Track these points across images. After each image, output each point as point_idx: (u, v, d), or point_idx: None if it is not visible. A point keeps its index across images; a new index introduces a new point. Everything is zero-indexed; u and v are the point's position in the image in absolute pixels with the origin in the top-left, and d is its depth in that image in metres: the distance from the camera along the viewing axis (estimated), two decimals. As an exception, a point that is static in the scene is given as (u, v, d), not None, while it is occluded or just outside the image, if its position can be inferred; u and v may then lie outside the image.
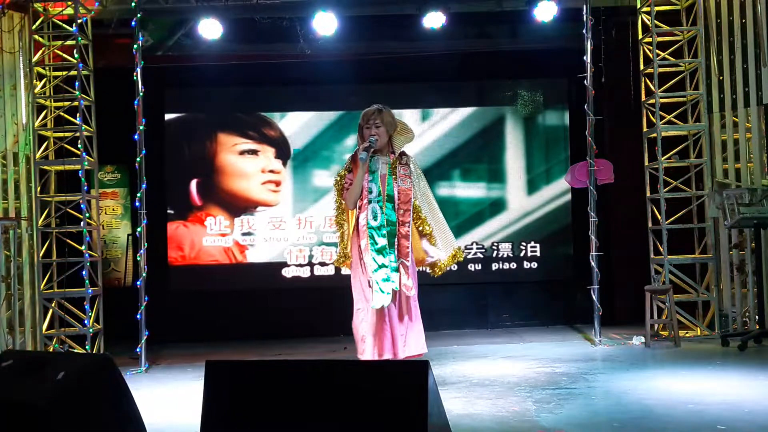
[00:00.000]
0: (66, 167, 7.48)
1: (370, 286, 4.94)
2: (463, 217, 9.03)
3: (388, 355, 4.92)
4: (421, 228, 5.12)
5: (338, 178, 5.18)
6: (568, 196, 8.95)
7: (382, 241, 4.92)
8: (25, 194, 7.56)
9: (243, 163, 8.96)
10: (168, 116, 9.04)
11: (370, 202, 4.97)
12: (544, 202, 9.07)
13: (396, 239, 4.96)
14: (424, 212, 5.15)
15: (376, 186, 4.99)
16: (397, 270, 4.95)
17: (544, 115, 9.19)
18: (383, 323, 4.94)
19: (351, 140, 8.85)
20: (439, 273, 5.26)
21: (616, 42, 8.61)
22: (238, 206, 8.94)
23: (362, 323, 5.01)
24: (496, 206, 9.08)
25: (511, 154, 9.09)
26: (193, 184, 8.95)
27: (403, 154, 5.14)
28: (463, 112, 9.09)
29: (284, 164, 8.97)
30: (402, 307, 4.97)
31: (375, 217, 4.95)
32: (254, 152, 8.97)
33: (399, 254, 4.96)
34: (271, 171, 8.96)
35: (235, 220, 8.92)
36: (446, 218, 9.02)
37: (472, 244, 8.99)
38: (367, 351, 4.93)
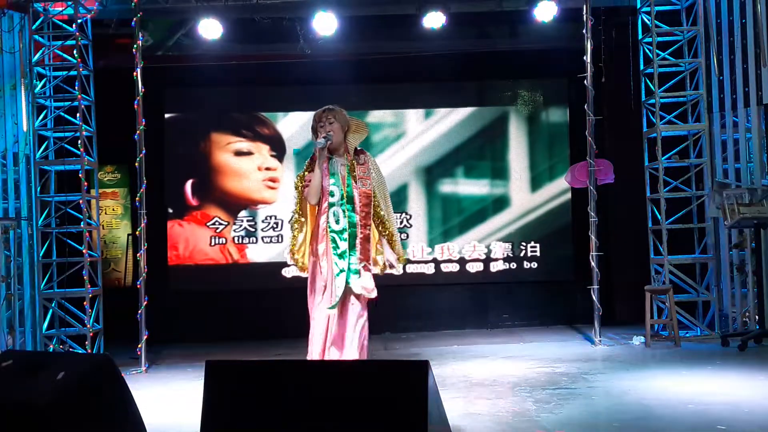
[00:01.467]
0: (66, 167, 7.47)
1: (323, 292, 4.80)
2: (464, 215, 9.04)
3: (334, 356, 4.82)
4: (381, 228, 4.96)
5: (297, 180, 4.98)
6: (568, 197, 8.95)
7: (343, 245, 4.81)
8: (25, 194, 7.56)
9: (241, 162, 8.96)
10: (168, 116, 9.04)
11: (331, 205, 4.83)
12: (544, 202, 9.06)
13: (357, 241, 4.85)
14: (383, 212, 4.98)
15: (338, 189, 4.85)
16: (358, 273, 4.83)
17: (544, 115, 9.18)
18: (336, 326, 4.85)
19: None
20: (382, 272, 5.06)
21: (616, 42, 8.61)
22: (238, 205, 8.95)
23: (312, 322, 4.92)
24: (497, 205, 9.07)
25: (511, 155, 9.08)
26: (189, 184, 8.94)
27: (360, 153, 5.00)
28: (463, 112, 9.09)
29: (280, 161, 8.96)
30: (356, 309, 4.87)
31: (338, 221, 4.83)
32: (251, 151, 8.97)
33: (362, 257, 4.84)
34: (267, 168, 8.96)
35: (235, 220, 8.92)
36: (447, 216, 9.20)
37: (472, 243, 8.99)
38: (314, 352, 4.80)
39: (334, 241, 4.82)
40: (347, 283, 4.78)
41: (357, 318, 4.84)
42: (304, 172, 4.97)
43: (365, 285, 4.84)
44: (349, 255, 4.81)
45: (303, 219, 4.96)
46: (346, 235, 4.83)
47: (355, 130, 5.00)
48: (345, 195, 4.86)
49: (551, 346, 7.54)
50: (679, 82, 7.96)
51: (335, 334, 4.83)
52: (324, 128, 4.88)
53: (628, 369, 6.10)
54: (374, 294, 4.91)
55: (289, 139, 8.99)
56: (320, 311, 4.84)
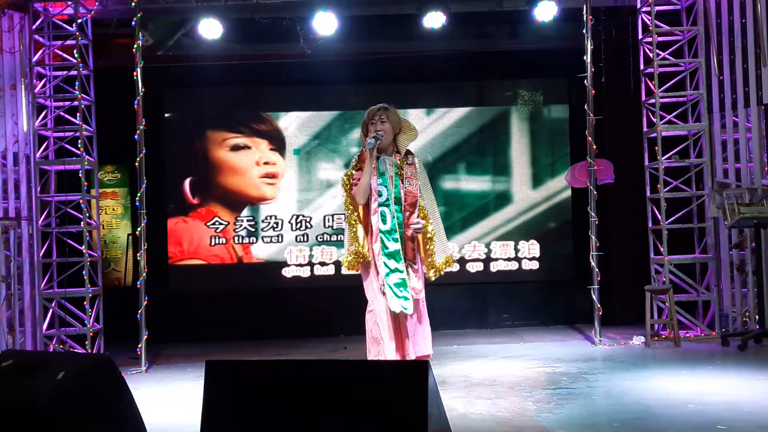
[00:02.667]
0: (66, 167, 7.47)
1: (382, 291, 4.82)
2: (465, 212, 9.04)
3: (399, 356, 4.86)
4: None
5: (345, 178, 5.01)
6: (568, 196, 8.94)
7: (393, 246, 4.81)
8: (25, 194, 7.56)
9: (241, 162, 8.96)
10: (168, 116, 9.04)
11: (380, 205, 4.84)
12: (544, 202, 9.06)
13: (402, 241, 4.86)
14: (429, 213, 5.04)
15: (386, 189, 4.86)
16: (407, 273, 4.85)
17: (544, 115, 9.18)
18: (397, 326, 4.88)
19: (350, 140, 8.86)
20: (435, 277, 5.09)
21: (616, 42, 8.60)
22: (239, 204, 8.94)
23: (375, 326, 4.88)
24: (497, 203, 9.08)
25: (511, 155, 9.07)
26: (187, 183, 8.94)
27: (408, 153, 5.02)
28: (463, 112, 9.10)
29: (282, 158, 8.95)
30: (417, 308, 4.91)
31: (385, 221, 4.82)
32: (248, 146, 8.97)
33: (404, 257, 4.86)
34: (266, 163, 8.96)
35: (235, 220, 8.92)
36: (448, 214, 9.18)
37: (472, 243, 8.99)
38: (386, 353, 4.79)
39: (383, 241, 4.82)
40: (404, 284, 4.77)
41: (417, 317, 4.87)
42: (352, 170, 4.99)
43: (413, 285, 4.87)
44: (401, 255, 4.82)
45: (356, 214, 4.96)
46: (396, 236, 4.83)
47: (404, 131, 5.02)
48: (393, 195, 4.86)
49: (551, 346, 7.54)
50: (679, 82, 7.97)
51: (399, 334, 4.83)
52: (375, 126, 4.89)
53: (628, 369, 6.10)
54: (422, 294, 4.92)
55: (289, 139, 8.99)
56: (384, 312, 4.80)
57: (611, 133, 8.94)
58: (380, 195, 4.85)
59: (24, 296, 7.38)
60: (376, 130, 4.86)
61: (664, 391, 5.17)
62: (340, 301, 8.29)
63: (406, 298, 4.79)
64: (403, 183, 4.90)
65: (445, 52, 8.69)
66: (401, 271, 4.81)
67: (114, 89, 7.81)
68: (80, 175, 7.39)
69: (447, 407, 3.30)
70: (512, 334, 8.46)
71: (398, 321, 4.87)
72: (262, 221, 8.95)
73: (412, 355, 4.86)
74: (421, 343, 4.90)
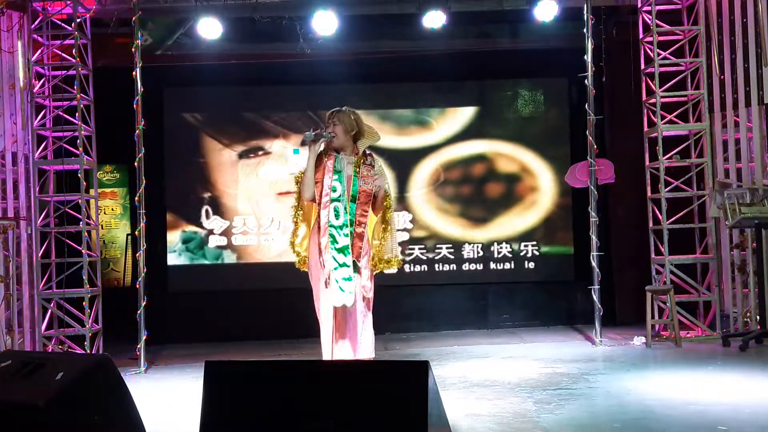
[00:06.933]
0: (65, 167, 7.45)
1: (327, 285, 4.89)
2: (465, 215, 9.02)
3: (343, 355, 4.88)
4: (385, 226, 5.11)
5: (298, 175, 5.14)
6: (569, 196, 8.93)
7: (343, 241, 4.91)
8: (24, 194, 7.54)
9: (241, 162, 8.95)
10: (167, 116, 9.02)
11: (332, 200, 4.94)
12: (544, 202, 9.05)
13: (352, 238, 4.96)
14: (390, 213, 5.14)
15: (341, 185, 4.97)
16: (357, 270, 4.92)
17: (544, 114, 9.17)
18: (341, 323, 4.91)
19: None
20: (376, 270, 5.14)
21: (617, 41, 8.59)
22: (238, 205, 8.93)
23: (320, 320, 4.98)
24: (497, 205, 9.07)
25: (512, 154, 9.06)
26: (188, 183, 8.94)
27: (367, 154, 5.14)
28: (463, 112, 9.09)
29: (280, 161, 8.94)
30: (357, 308, 4.94)
31: (337, 216, 4.93)
32: (250, 150, 8.96)
33: (353, 254, 4.92)
34: (267, 167, 8.95)
35: (235, 219, 8.90)
36: (447, 215, 9.19)
37: (473, 244, 8.97)
38: (325, 351, 4.89)
39: (332, 236, 4.90)
40: (350, 279, 4.82)
41: (364, 317, 4.90)
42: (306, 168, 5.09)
43: (363, 284, 4.91)
44: (350, 251, 4.89)
45: (302, 211, 5.11)
46: (347, 231, 4.90)
47: (366, 136, 5.17)
48: (348, 192, 4.97)
49: (552, 346, 7.53)
50: (680, 82, 7.95)
51: (345, 332, 4.86)
52: (328, 128, 5.05)
53: (628, 369, 6.09)
54: (371, 294, 4.97)
55: (289, 139, 8.97)
56: (326, 308, 4.89)
57: (611, 133, 8.94)
58: (334, 190, 4.96)
59: (23, 297, 7.37)
60: (328, 131, 5.00)
61: (665, 392, 5.16)
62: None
63: (351, 292, 4.85)
64: (359, 182, 5.01)
65: (445, 51, 8.67)
66: (348, 266, 4.88)
67: (113, 89, 7.79)
68: (79, 175, 7.37)
69: (447, 407, 3.28)
70: (512, 334, 8.44)
71: (344, 319, 4.89)
72: (262, 222, 8.93)
73: (353, 356, 4.87)
74: (365, 346, 4.93)
